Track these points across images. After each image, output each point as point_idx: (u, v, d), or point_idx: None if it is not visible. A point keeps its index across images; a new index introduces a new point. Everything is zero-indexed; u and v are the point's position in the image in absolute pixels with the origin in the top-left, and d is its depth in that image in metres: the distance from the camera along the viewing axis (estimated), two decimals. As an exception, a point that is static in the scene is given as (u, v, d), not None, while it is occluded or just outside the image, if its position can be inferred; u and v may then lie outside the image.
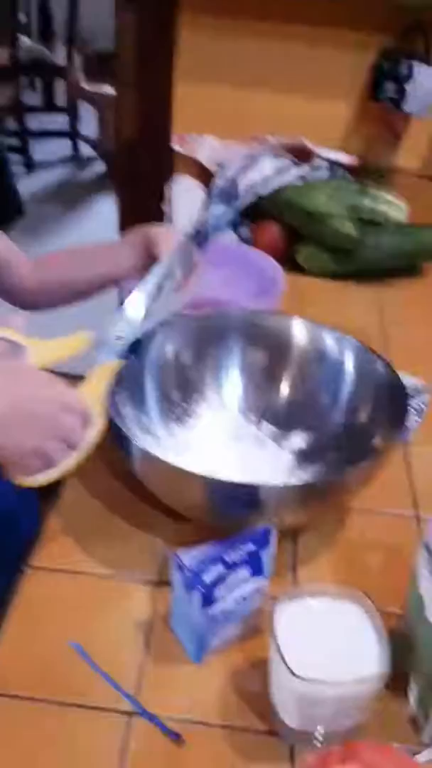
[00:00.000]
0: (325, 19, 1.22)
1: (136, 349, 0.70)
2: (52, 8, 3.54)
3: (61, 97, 3.77)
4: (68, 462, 0.59)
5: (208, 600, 0.59)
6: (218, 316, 0.86)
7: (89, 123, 3.65)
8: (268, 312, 0.86)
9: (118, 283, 0.88)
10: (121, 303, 0.70)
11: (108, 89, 3.45)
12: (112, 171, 3.42)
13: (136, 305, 0.69)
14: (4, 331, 0.59)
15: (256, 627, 0.65)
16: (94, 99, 3.43)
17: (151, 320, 0.72)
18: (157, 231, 0.79)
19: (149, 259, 0.78)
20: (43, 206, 3.17)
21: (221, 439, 0.83)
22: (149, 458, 0.68)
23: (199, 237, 0.75)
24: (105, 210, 3.12)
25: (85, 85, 3.48)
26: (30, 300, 0.86)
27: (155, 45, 1.31)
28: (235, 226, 1.29)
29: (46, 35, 3.69)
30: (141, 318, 0.69)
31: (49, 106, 3.81)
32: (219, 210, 1.18)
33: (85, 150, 3.72)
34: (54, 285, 0.85)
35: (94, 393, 0.63)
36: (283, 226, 1.23)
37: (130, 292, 0.71)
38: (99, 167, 3.60)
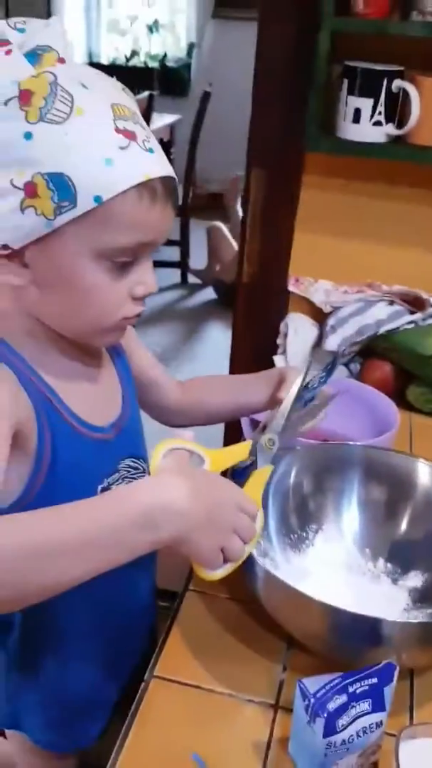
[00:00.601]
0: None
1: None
2: (174, 153, 3.95)
3: (173, 232, 4.10)
4: (243, 556, 0.65)
5: (330, 728, 0.61)
6: (340, 448, 0.91)
7: (195, 254, 3.94)
8: (389, 449, 0.91)
9: (249, 413, 0.96)
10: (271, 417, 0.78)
11: (218, 225, 3.76)
12: (220, 298, 3.66)
13: (279, 420, 0.76)
14: (186, 443, 0.67)
15: (374, 762, 0.65)
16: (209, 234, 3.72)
17: (287, 437, 0.78)
18: (290, 373, 0.87)
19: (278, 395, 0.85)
20: (156, 324, 3.42)
21: (335, 571, 0.86)
22: (272, 581, 0.72)
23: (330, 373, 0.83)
24: (214, 334, 3.39)
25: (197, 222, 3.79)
26: (172, 418, 0.95)
27: (280, 199, 1.46)
28: (347, 362, 1.37)
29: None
30: (281, 432, 0.76)
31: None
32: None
33: (192, 278, 3.99)
34: (193, 406, 0.94)
35: (255, 494, 0.70)
36: (394, 366, 1.29)
37: (257, 422, 0.79)
38: (205, 294, 3.85)
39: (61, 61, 0.62)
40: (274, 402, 0.86)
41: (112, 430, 0.77)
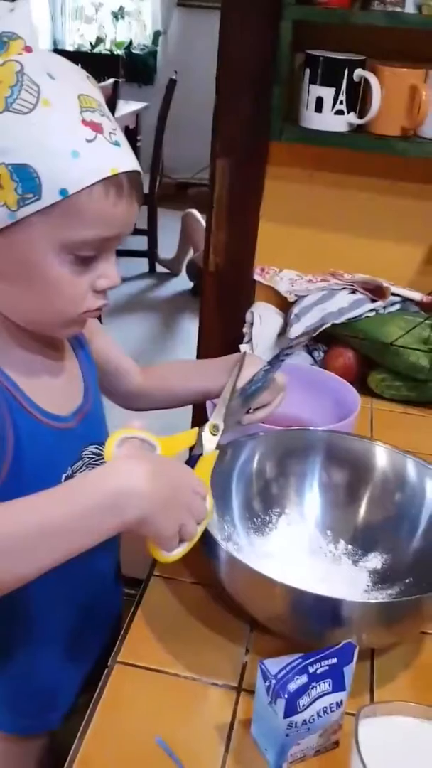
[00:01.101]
0: (405, 175, 1.36)
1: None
2: (141, 141, 3.92)
3: (140, 220, 4.08)
4: (195, 537, 0.67)
5: (291, 709, 0.62)
6: (302, 433, 0.92)
7: (163, 244, 3.93)
8: (350, 434, 0.92)
9: (210, 397, 0.97)
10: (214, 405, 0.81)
11: (192, 212, 3.75)
12: (196, 284, 3.67)
13: (221, 407, 0.80)
14: (137, 431, 0.68)
15: (334, 741, 0.66)
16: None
17: (234, 424, 0.81)
18: (248, 360, 0.87)
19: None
20: (123, 315, 3.41)
21: (297, 553, 0.87)
22: (235, 564, 0.72)
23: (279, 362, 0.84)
24: (183, 324, 3.40)
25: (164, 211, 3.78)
26: (134, 403, 0.96)
27: (245, 189, 1.47)
28: (309, 349, 1.38)
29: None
30: (227, 420, 0.79)
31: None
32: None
33: (159, 268, 3.97)
34: (155, 391, 0.95)
35: (204, 477, 0.73)
36: (356, 353, 1.31)
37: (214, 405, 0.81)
38: (174, 284, 3.85)
39: (28, 49, 0.61)
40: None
41: (74, 419, 0.77)
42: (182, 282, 3.85)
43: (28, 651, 0.81)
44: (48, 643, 0.82)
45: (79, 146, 0.61)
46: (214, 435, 0.77)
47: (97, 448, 0.81)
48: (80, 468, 0.78)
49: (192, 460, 0.76)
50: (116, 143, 0.64)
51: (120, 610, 0.95)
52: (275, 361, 0.84)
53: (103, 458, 0.82)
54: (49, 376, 0.76)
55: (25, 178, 0.60)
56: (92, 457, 0.80)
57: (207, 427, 0.78)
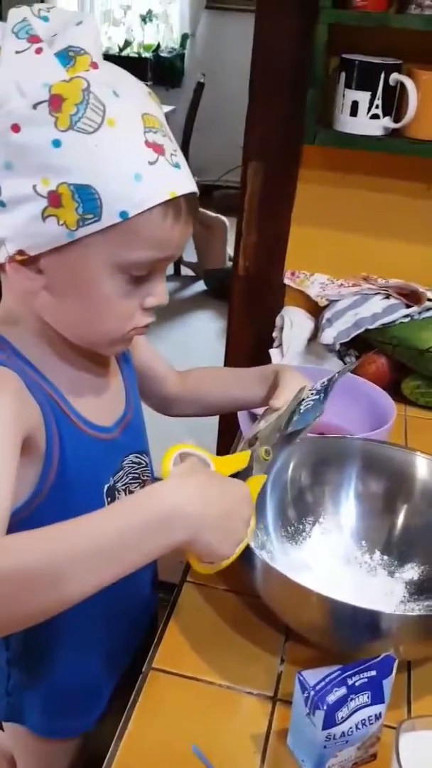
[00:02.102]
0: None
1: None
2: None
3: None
4: (238, 551, 0.66)
5: (329, 721, 0.61)
6: (337, 441, 0.91)
7: (189, 246, 3.93)
8: (387, 443, 0.91)
9: (244, 408, 0.96)
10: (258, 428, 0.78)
11: (211, 218, 3.75)
12: (210, 290, 3.67)
13: (275, 433, 0.77)
14: (193, 448, 0.68)
15: (372, 753, 0.66)
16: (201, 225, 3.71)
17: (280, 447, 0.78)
18: (285, 373, 0.86)
19: (273, 396, 0.85)
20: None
21: (332, 563, 0.86)
22: (270, 573, 0.72)
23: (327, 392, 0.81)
24: (208, 325, 3.41)
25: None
26: (169, 409, 0.95)
27: (276, 192, 1.46)
28: (340, 355, 1.37)
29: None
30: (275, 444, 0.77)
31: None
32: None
33: (185, 270, 3.98)
34: (189, 398, 0.95)
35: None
36: (389, 359, 1.30)
37: (254, 417, 0.79)
38: (199, 286, 3.85)
39: (94, 65, 0.60)
40: (267, 402, 0.85)
41: (117, 429, 0.78)
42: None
43: (66, 655, 0.81)
44: (85, 647, 0.83)
45: (142, 169, 0.60)
46: (266, 460, 0.75)
47: (137, 457, 0.81)
48: (121, 478, 0.78)
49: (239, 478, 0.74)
50: (176, 165, 0.63)
51: (155, 614, 0.95)
52: (330, 387, 0.80)
53: (143, 466, 0.82)
54: (95, 388, 0.76)
55: (87, 198, 0.59)
56: (133, 467, 0.80)
57: (260, 452, 0.75)
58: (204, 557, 0.63)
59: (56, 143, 0.58)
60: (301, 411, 0.78)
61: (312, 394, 0.80)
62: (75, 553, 0.53)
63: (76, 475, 0.70)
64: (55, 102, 0.58)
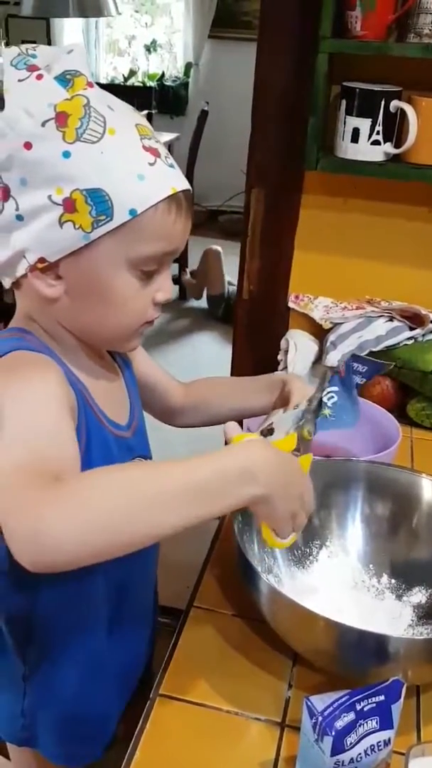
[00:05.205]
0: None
1: None
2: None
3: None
4: (302, 528, 0.69)
5: (338, 747, 0.61)
6: (343, 464, 0.91)
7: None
8: (393, 465, 0.91)
9: (250, 416, 0.97)
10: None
11: (215, 249, 3.78)
12: (210, 312, 3.70)
13: (310, 413, 0.79)
14: (253, 436, 0.72)
15: (382, 782, 0.65)
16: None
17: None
18: (294, 382, 0.87)
19: (281, 404, 0.86)
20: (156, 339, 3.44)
21: (340, 587, 0.86)
22: (277, 598, 0.72)
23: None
24: (212, 348, 3.44)
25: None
26: (173, 419, 0.97)
27: (279, 218, 1.48)
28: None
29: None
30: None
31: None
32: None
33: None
34: (193, 409, 0.96)
35: None
36: (394, 381, 1.30)
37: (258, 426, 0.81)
38: (204, 310, 3.88)
39: (90, 84, 0.66)
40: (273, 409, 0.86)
41: (129, 430, 0.80)
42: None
43: (77, 674, 0.81)
44: (95, 667, 0.82)
45: (144, 169, 0.66)
46: (309, 440, 0.78)
47: (142, 461, 0.82)
48: None
49: None
50: (171, 165, 0.69)
51: (154, 637, 0.95)
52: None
53: None
54: (109, 385, 0.79)
55: (98, 201, 0.65)
56: None
57: (303, 432, 0.78)
58: (271, 522, 0.66)
59: (66, 154, 0.64)
60: (329, 404, 0.81)
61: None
62: (171, 486, 0.57)
63: (95, 465, 0.71)
64: (61, 118, 0.64)
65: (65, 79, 0.65)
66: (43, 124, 0.63)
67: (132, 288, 0.70)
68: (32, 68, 0.64)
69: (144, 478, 0.58)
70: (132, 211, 0.65)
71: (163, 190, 0.67)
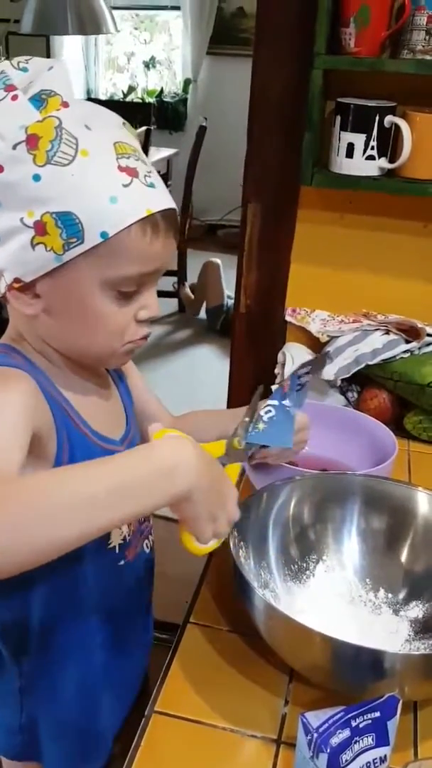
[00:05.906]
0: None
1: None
2: (171, 186, 4.01)
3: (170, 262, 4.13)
4: (225, 534, 0.68)
5: (333, 764, 0.60)
6: (339, 478, 0.91)
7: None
8: (389, 479, 0.91)
9: None
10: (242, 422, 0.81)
11: (215, 262, 3.80)
12: (209, 325, 3.71)
13: (246, 425, 0.80)
14: (179, 433, 0.70)
15: (379, 800, 0.64)
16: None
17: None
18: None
19: None
20: (153, 354, 3.45)
21: (336, 602, 0.85)
22: (273, 613, 0.71)
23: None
24: (210, 361, 3.42)
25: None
26: None
27: (275, 232, 1.49)
28: (343, 390, 1.37)
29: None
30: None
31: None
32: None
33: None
34: None
35: None
36: (391, 394, 1.30)
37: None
38: (202, 324, 3.89)
39: (65, 105, 0.65)
40: None
41: (123, 444, 0.80)
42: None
43: (76, 685, 0.81)
44: (93, 685, 0.82)
45: (117, 191, 0.65)
46: (238, 449, 0.77)
47: None
48: None
49: None
50: (151, 185, 0.68)
51: (149, 650, 0.95)
52: (301, 388, 0.83)
53: None
54: (99, 401, 0.79)
55: (69, 224, 0.64)
56: None
57: (233, 441, 0.78)
58: (191, 526, 0.65)
59: (36, 177, 0.64)
60: (264, 419, 0.81)
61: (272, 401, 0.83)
62: (88, 491, 0.55)
63: None
64: (32, 141, 0.64)
65: (40, 99, 0.64)
66: (14, 147, 0.63)
67: (109, 307, 0.69)
68: (9, 88, 0.64)
69: (71, 479, 0.56)
70: (103, 234, 0.65)
71: (137, 212, 0.66)
